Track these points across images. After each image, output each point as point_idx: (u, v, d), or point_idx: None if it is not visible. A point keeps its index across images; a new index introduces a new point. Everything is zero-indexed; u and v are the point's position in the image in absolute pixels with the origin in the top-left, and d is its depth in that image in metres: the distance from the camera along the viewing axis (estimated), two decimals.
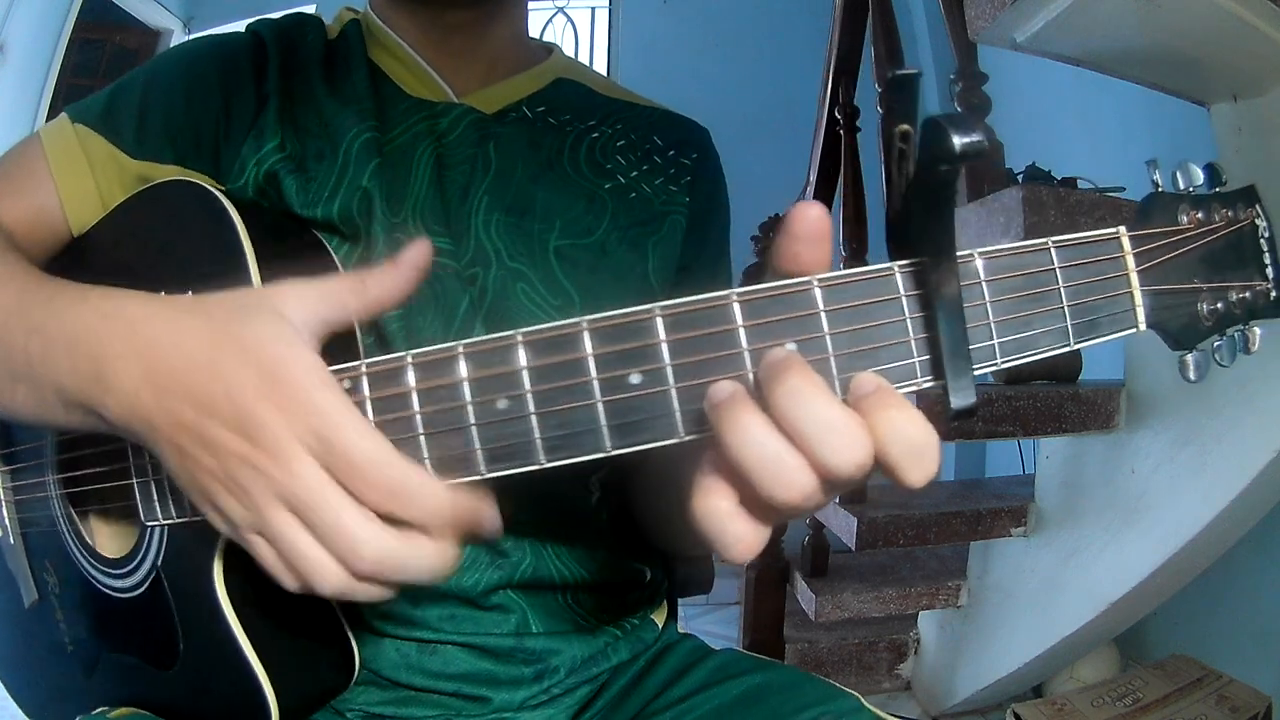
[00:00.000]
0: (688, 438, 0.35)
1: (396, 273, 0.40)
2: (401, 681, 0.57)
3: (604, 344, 0.34)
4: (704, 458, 0.33)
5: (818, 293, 0.34)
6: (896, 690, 1.91)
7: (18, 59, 2.43)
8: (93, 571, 0.55)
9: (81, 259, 0.57)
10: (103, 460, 0.50)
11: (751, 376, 0.33)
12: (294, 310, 0.37)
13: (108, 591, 0.54)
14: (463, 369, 0.36)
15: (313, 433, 0.34)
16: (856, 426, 0.30)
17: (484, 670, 0.57)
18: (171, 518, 0.46)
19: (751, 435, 0.31)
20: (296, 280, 0.39)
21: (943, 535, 1.59)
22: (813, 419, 0.30)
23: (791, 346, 0.33)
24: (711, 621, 2.51)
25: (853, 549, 1.62)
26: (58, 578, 0.59)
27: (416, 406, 0.37)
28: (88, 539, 0.56)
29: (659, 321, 0.34)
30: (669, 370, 0.34)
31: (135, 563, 0.52)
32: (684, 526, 0.44)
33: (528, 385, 0.35)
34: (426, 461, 0.37)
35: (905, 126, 0.32)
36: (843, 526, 1.61)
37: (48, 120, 0.61)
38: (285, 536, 0.34)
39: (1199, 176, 0.38)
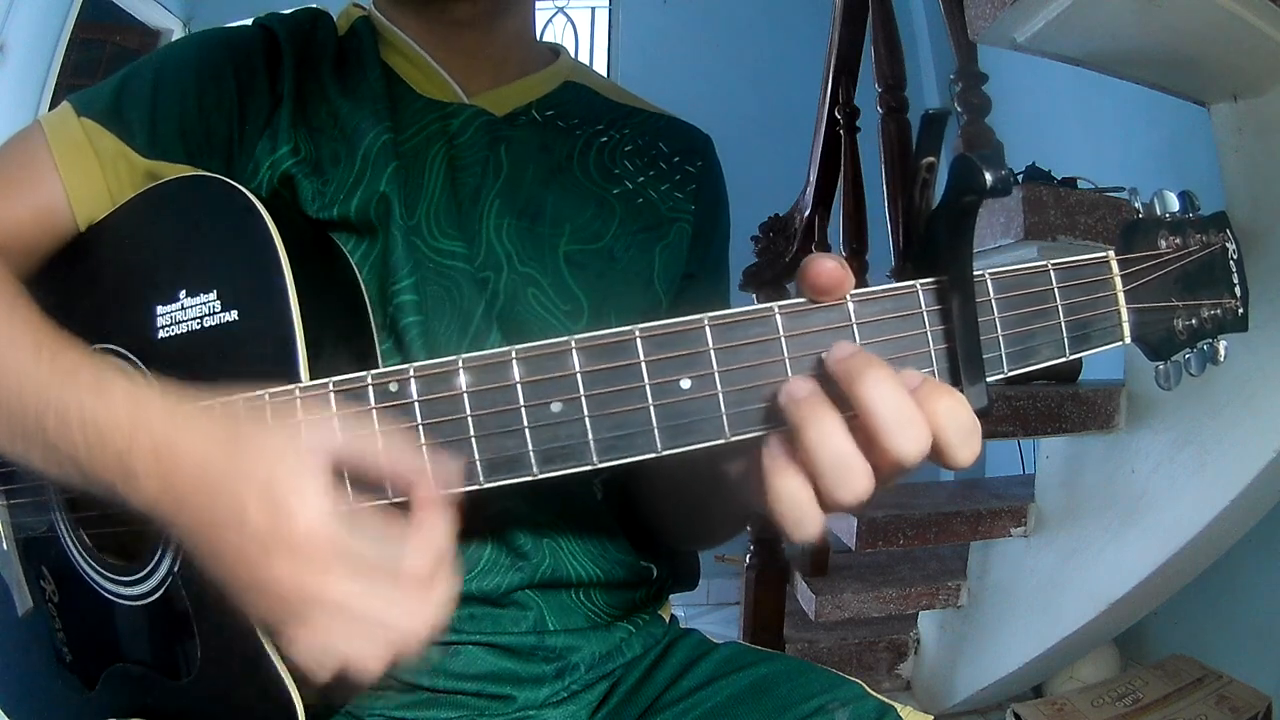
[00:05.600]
0: (733, 439, 0.38)
1: (423, 481, 0.40)
2: (423, 684, 0.57)
3: (656, 351, 0.38)
4: (773, 446, 0.37)
5: (851, 306, 0.38)
6: (896, 690, 1.91)
7: (18, 59, 2.43)
8: (98, 578, 0.54)
9: (92, 254, 0.55)
10: None
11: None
12: (311, 436, 0.39)
13: (115, 599, 0.53)
14: (516, 372, 0.38)
15: (318, 560, 0.37)
16: (922, 417, 0.35)
17: (506, 669, 0.57)
18: None
19: (830, 434, 0.35)
20: (328, 421, 0.41)
21: (943, 535, 1.59)
22: (895, 409, 0.34)
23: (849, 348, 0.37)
24: (711, 621, 2.51)
25: (853, 549, 1.61)
26: (56, 585, 0.57)
27: (469, 409, 0.39)
28: (92, 544, 0.55)
29: (707, 330, 0.37)
30: (717, 376, 0.37)
31: (148, 569, 0.51)
32: (713, 510, 0.53)
33: (582, 389, 0.38)
34: (478, 463, 0.39)
35: (931, 159, 0.38)
36: (843, 526, 1.60)
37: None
38: (325, 632, 0.37)
39: (1175, 203, 0.43)
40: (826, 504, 0.36)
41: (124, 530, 0.54)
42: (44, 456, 0.44)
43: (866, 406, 0.34)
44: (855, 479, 0.35)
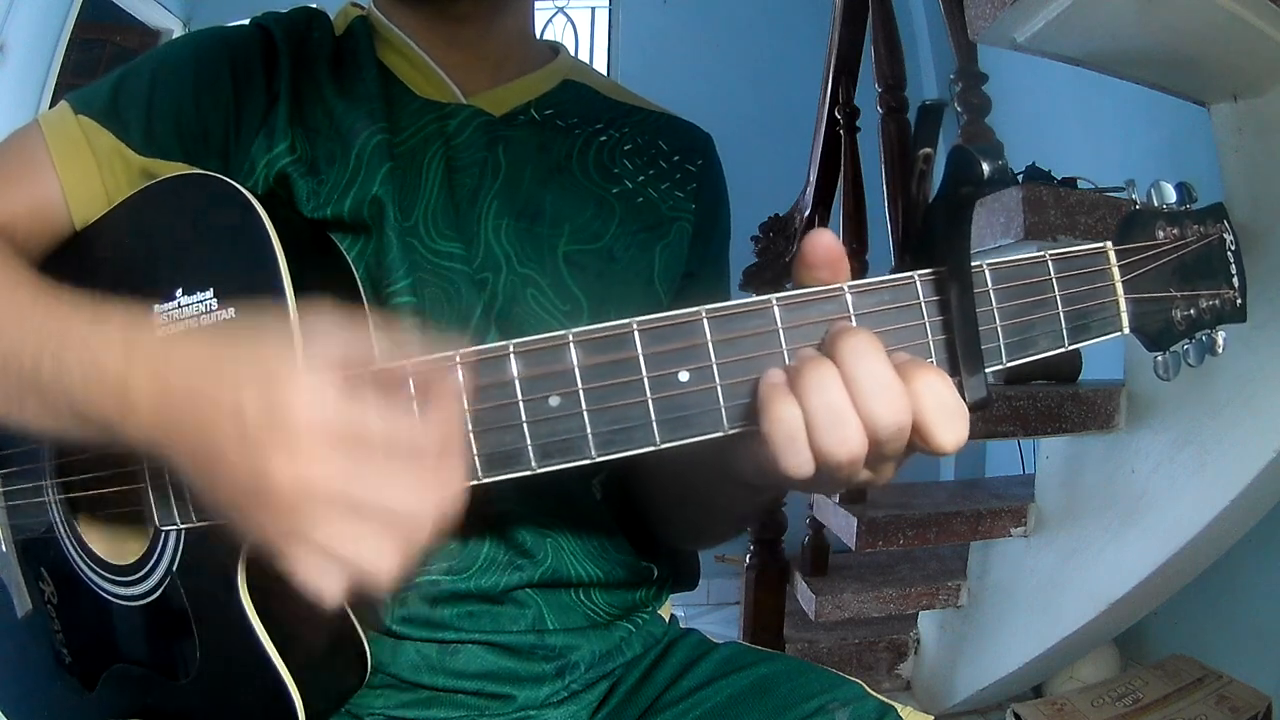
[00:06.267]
0: (732, 431, 0.38)
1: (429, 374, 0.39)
2: (423, 683, 0.57)
3: (654, 344, 0.37)
4: (772, 375, 0.37)
5: (849, 298, 0.38)
6: (896, 690, 1.91)
7: (18, 59, 2.43)
8: (97, 579, 0.54)
9: (89, 252, 0.55)
10: (109, 463, 0.49)
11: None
12: (312, 341, 0.38)
13: (114, 600, 0.53)
14: (514, 367, 0.38)
15: (323, 440, 0.35)
16: (902, 387, 0.35)
17: (506, 668, 0.57)
18: (190, 521, 0.45)
19: (827, 380, 0.35)
20: (327, 319, 0.39)
21: (943, 535, 1.59)
22: (869, 373, 0.35)
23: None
24: (711, 621, 2.51)
25: (853, 549, 1.61)
26: (55, 586, 0.57)
27: (466, 404, 0.38)
28: (90, 545, 0.55)
29: (705, 322, 0.37)
30: (715, 368, 0.37)
31: (146, 569, 0.51)
32: (715, 501, 0.53)
33: (580, 383, 0.37)
34: (476, 458, 0.39)
35: (929, 150, 0.37)
36: (843, 526, 1.60)
37: None
38: (330, 532, 0.35)
39: (1172, 194, 0.43)
40: (820, 453, 0.36)
41: (122, 528, 0.55)
42: (38, 403, 0.43)
43: (842, 367, 0.35)
44: (847, 428, 0.35)
